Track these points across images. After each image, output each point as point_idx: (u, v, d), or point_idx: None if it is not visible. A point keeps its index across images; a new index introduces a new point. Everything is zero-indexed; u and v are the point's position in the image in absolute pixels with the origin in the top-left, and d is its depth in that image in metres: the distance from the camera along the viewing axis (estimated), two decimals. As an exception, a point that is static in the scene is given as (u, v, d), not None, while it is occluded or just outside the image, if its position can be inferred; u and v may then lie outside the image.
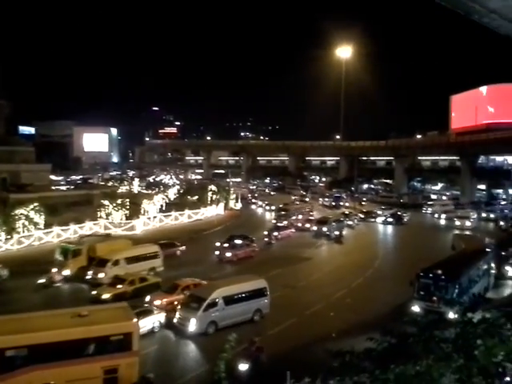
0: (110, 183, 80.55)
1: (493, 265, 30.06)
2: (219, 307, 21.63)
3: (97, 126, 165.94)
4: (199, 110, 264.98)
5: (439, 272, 23.98)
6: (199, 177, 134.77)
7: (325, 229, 47.50)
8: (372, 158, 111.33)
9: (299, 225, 51.45)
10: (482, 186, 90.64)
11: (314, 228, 49.34)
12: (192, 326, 21.00)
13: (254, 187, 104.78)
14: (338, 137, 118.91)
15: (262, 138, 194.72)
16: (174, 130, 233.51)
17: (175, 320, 21.82)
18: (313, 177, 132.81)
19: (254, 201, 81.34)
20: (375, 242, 49.13)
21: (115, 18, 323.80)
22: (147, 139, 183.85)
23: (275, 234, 45.55)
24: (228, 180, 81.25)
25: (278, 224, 49.86)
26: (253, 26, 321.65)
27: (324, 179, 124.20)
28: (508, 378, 3.77)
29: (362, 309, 25.12)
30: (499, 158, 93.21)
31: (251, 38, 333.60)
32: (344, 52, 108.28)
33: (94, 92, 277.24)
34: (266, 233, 45.55)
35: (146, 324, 20.72)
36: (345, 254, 40.92)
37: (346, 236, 48.07)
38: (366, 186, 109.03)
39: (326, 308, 25.04)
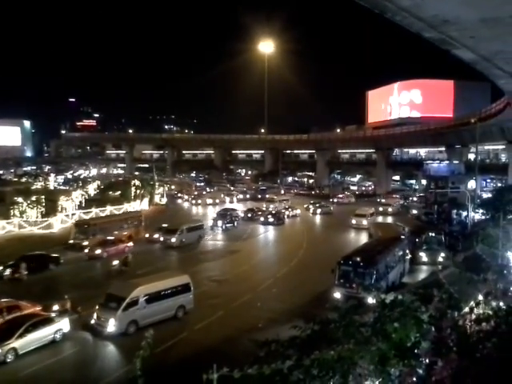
0: (24, 179, 75.59)
1: (407, 251, 31.99)
2: (140, 306, 20.91)
3: (7, 118, 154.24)
4: (120, 101, 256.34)
5: (358, 259, 25.08)
6: (121, 171, 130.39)
7: (173, 239, 39.20)
8: (296, 152, 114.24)
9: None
10: (397, 177, 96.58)
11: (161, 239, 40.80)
12: (111, 326, 20.13)
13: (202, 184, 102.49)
14: (262, 130, 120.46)
15: (187, 131, 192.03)
16: (92, 122, 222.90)
17: (93, 321, 20.79)
18: (239, 170, 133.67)
19: (180, 195, 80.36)
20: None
21: (31, 3, 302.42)
22: (64, 132, 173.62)
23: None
24: (152, 174, 79.35)
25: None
26: (177, 16, 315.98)
27: (250, 172, 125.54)
28: (428, 358, 3.96)
29: (287, 298, 25.70)
30: (412, 151, 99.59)
31: (174, 30, 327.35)
32: (266, 47, 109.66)
33: (3, 81, 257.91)
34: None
35: (43, 335, 19.18)
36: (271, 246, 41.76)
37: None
38: (290, 178, 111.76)
39: (253, 299, 25.31)
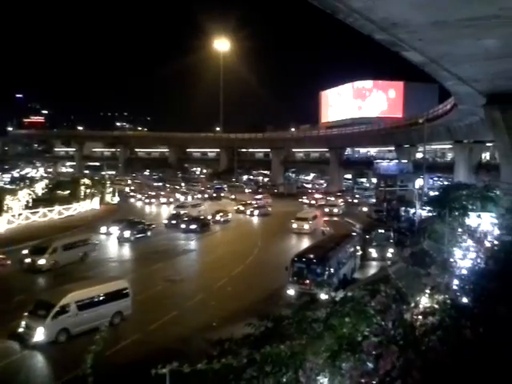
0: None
1: (358, 247, 32.86)
2: (71, 313, 19.86)
3: None
4: (70, 98, 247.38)
5: (311, 256, 25.53)
6: (71, 170, 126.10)
7: (42, 261, 30.13)
8: (251, 150, 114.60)
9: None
10: (349, 176, 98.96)
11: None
12: (39, 335, 19.00)
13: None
14: (218, 129, 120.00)
15: (140, 128, 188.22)
16: (41, 119, 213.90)
17: (21, 329, 19.46)
18: (194, 168, 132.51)
19: (133, 194, 78.69)
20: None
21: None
22: (10, 129, 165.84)
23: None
24: (103, 173, 77.29)
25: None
26: (132, 12, 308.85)
27: (205, 171, 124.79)
28: (374, 351, 4.05)
29: (242, 296, 25.75)
30: (363, 150, 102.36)
31: (128, 25, 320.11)
32: (222, 45, 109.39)
33: None
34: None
35: None
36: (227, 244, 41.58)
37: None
38: (245, 177, 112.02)
39: (208, 298, 25.18)
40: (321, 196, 72.58)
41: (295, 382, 4.69)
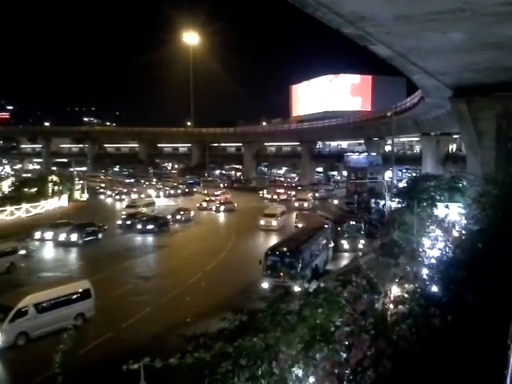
0: None
1: (331, 239, 33.28)
2: (30, 316, 19.31)
3: None
4: (36, 93, 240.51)
5: (284, 249, 25.77)
6: (38, 166, 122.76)
7: None
8: (223, 145, 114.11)
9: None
10: (320, 169, 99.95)
11: None
12: None
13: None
14: (189, 123, 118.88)
15: (108, 123, 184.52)
16: (5, 114, 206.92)
17: None
18: (165, 164, 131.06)
19: (102, 191, 77.32)
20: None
21: None
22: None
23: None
24: (72, 169, 75.53)
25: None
26: (98, 5, 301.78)
27: (177, 166, 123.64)
28: (346, 342, 4.10)
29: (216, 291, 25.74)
30: (334, 143, 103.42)
31: (94, 18, 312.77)
32: (191, 38, 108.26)
33: None
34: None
35: None
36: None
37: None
38: (218, 171, 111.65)
39: (182, 294, 25.05)
40: (283, 190, 71.27)
41: (269, 374, 4.72)
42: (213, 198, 61.95)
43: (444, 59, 14.79)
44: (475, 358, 2.38)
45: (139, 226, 43.33)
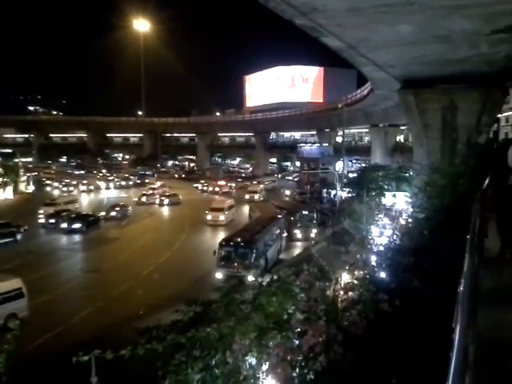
0: None
1: (284, 229, 33.72)
2: None
3: None
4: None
5: (238, 240, 25.95)
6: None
7: None
8: (176, 135, 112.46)
9: None
10: (274, 160, 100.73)
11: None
12: None
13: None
14: (140, 113, 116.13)
15: (55, 112, 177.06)
16: None
17: None
18: (116, 154, 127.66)
19: (49, 182, 74.44)
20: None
21: None
22: None
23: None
24: (16, 160, 72.01)
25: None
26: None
27: (128, 156, 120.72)
28: (298, 329, 4.16)
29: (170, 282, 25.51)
30: (287, 134, 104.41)
31: (42, 4, 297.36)
32: (142, 25, 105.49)
33: None
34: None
35: None
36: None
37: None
38: (171, 162, 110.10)
39: (134, 287, 24.64)
40: (224, 183, 68.81)
41: (223, 363, 4.73)
42: (151, 192, 59.27)
43: (393, 52, 15.14)
44: (421, 341, 2.49)
45: (64, 225, 38.93)
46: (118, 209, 46.19)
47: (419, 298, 3.58)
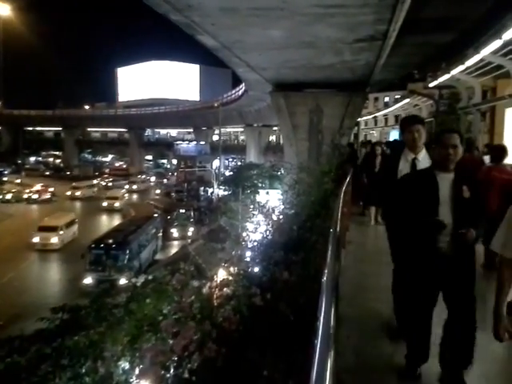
0: None
1: (160, 229, 33.09)
2: None
3: None
4: None
5: (110, 241, 24.79)
6: None
7: None
8: (39, 129, 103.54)
9: None
10: (150, 157, 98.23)
11: None
12: None
13: None
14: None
15: None
16: None
17: None
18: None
19: None
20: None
21: None
22: None
23: None
24: None
25: None
26: None
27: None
28: (172, 329, 4.09)
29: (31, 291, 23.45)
30: (164, 131, 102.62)
31: None
32: (2, 9, 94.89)
33: None
34: None
35: None
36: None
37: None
38: (33, 158, 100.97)
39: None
40: (75, 183, 59.14)
41: (94, 371, 4.50)
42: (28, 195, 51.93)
43: (265, 55, 15.67)
44: (290, 329, 2.62)
45: None
46: None
47: (288, 289, 3.77)
